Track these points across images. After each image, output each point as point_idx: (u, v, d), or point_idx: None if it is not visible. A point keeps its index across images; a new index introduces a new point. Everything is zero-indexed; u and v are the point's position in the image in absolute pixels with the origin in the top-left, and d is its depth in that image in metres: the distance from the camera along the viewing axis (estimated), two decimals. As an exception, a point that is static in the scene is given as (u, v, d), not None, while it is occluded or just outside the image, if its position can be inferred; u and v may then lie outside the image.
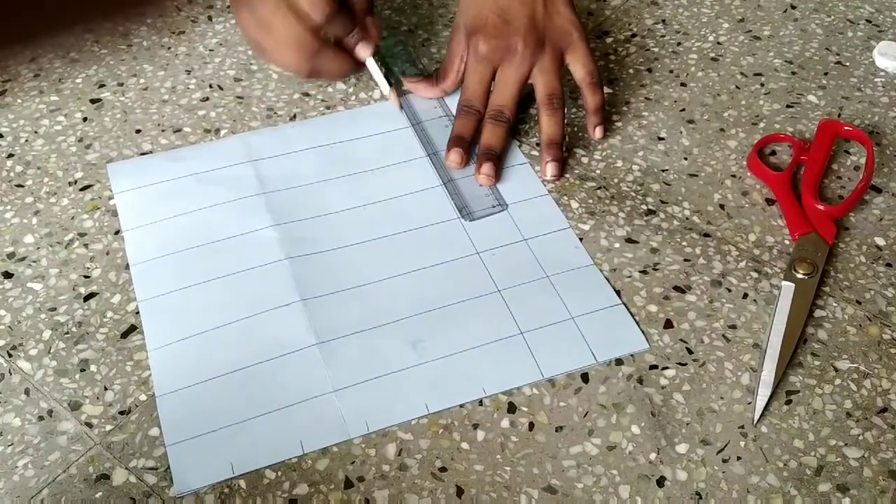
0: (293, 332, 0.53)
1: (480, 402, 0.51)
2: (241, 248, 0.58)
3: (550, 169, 0.62)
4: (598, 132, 0.64)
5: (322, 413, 0.49)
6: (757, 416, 0.50)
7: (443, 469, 0.48)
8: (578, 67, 0.64)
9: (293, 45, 0.62)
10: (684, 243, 0.60)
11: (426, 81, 0.68)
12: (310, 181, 0.62)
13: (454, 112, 0.65)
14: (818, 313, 0.55)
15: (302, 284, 0.55)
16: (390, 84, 0.64)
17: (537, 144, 0.65)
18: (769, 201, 0.63)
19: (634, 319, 0.54)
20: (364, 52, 0.65)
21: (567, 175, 0.64)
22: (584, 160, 0.65)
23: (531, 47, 0.63)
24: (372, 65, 0.65)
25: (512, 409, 0.50)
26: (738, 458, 0.48)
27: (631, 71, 0.73)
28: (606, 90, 0.71)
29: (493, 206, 0.60)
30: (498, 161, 0.62)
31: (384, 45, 0.69)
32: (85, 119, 0.68)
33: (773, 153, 0.66)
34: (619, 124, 0.68)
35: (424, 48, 0.75)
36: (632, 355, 0.53)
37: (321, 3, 0.61)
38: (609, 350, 0.52)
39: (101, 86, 0.71)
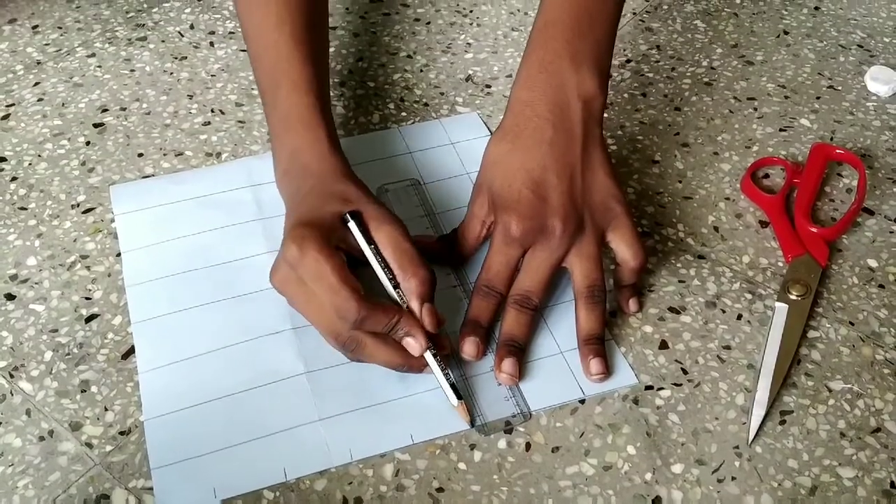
0: (283, 360, 0.53)
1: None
2: (236, 274, 0.58)
3: (595, 366, 0.52)
4: (632, 306, 0.57)
5: (307, 441, 0.50)
6: (751, 437, 0.50)
7: (440, 490, 0.48)
8: (623, 248, 0.55)
9: (329, 331, 0.50)
10: (679, 265, 0.60)
11: (441, 244, 0.59)
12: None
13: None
14: (812, 334, 0.56)
15: (294, 312, 0.55)
16: (458, 396, 0.50)
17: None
18: (763, 223, 0.63)
19: (623, 355, 0.55)
20: (414, 348, 0.50)
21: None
22: (580, 183, 0.66)
23: (570, 230, 0.53)
24: (432, 362, 0.51)
25: (508, 429, 0.51)
26: (733, 479, 0.49)
27: (626, 95, 0.74)
28: (602, 114, 0.72)
29: (514, 416, 0.51)
30: (521, 354, 0.53)
31: (395, 189, 0.62)
32: (88, 143, 0.68)
33: (767, 176, 0.67)
34: (615, 148, 0.69)
35: (422, 74, 0.76)
36: (627, 376, 0.53)
37: (351, 308, 0.48)
38: (598, 385, 0.53)
39: (104, 110, 0.72)
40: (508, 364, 0.52)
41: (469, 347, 0.53)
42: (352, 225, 0.52)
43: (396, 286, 0.51)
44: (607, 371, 0.53)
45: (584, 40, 0.57)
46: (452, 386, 0.50)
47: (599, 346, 0.53)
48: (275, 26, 0.59)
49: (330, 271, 0.49)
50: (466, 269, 0.59)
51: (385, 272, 0.52)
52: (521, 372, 0.53)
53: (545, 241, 0.54)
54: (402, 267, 0.52)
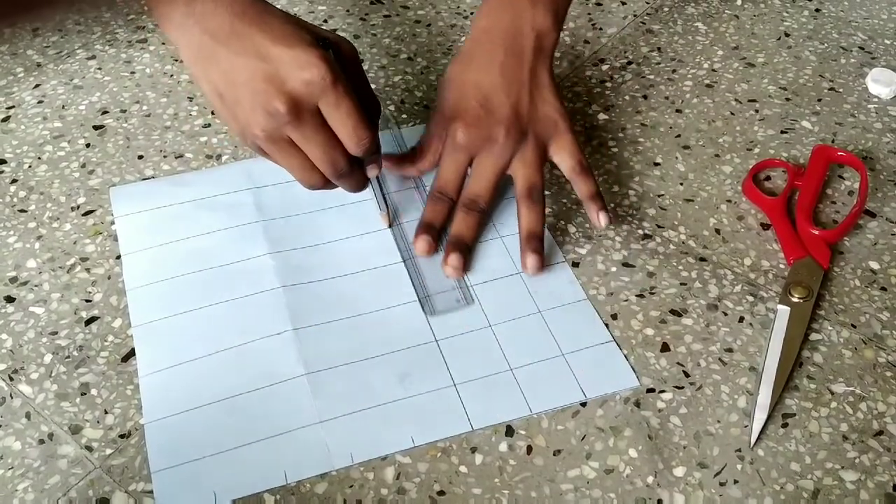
0: (283, 362, 0.53)
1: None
2: (236, 276, 0.58)
3: (531, 262, 0.58)
4: (602, 218, 0.60)
5: (307, 444, 0.49)
6: (754, 439, 0.50)
7: (441, 493, 0.48)
8: (566, 157, 0.61)
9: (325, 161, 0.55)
10: (680, 267, 0.60)
11: (403, 159, 0.64)
12: (308, 210, 0.63)
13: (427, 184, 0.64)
14: (814, 337, 0.56)
15: (294, 313, 0.55)
16: (387, 206, 0.60)
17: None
18: (764, 226, 0.63)
19: (625, 356, 0.55)
20: (373, 171, 0.58)
21: (564, 200, 0.65)
22: (581, 185, 0.66)
23: (513, 138, 0.59)
24: (374, 183, 0.59)
25: (510, 432, 0.51)
26: (735, 482, 0.49)
27: (627, 98, 0.74)
28: (603, 116, 0.72)
29: (458, 301, 0.57)
30: (468, 252, 0.59)
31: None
32: (88, 145, 0.68)
33: (768, 178, 0.67)
34: (616, 150, 0.69)
35: (423, 76, 0.76)
36: (629, 379, 0.53)
37: (364, 138, 0.54)
38: (599, 387, 0.52)
39: (105, 112, 0.71)
40: (454, 258, 0.58)
41: (421, 244, 0.59)
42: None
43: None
44: (542, 267, 0.59)
45: None
46: (383, 197, 0.60)
47: (538, 244, 0.59)
48: None
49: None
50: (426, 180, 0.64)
51: None
52: (466, 266, 0.59)
53: (490, 147, 0.60)
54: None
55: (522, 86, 0.61)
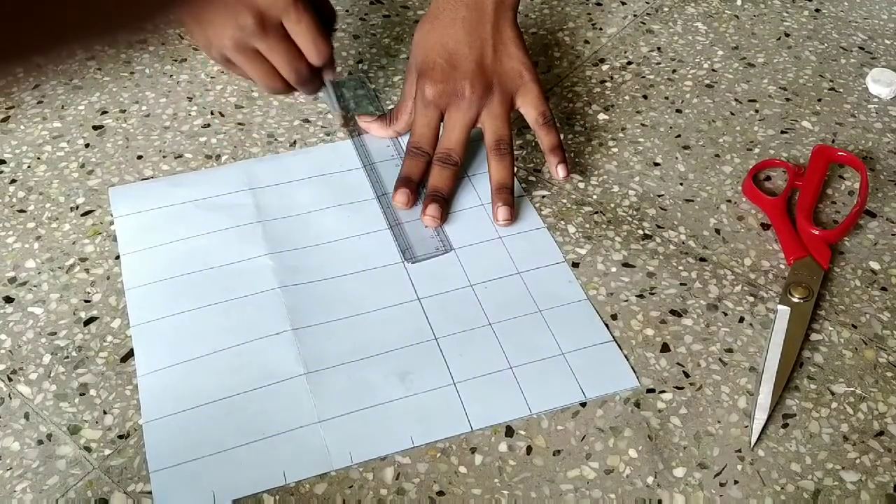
0: (282, 362, 0.53)
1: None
2: (235, 276, 0.58)
3: (501, 213, 0.61)
4: (560, 170, 0.63)
5: (306, 443, 0.49)
6: (754, 440, 0.50)
7: (440, 493, 0.48)
8: (530, 109, 0.63)
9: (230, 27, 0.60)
10: (680, 268, 0.60)
11: (380, 121, 0.67)
12: (306, 210, 0.63)
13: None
14: (814, 337, 0.56)
15: (294, 313, 0.55)
16: (342, 108, 0.66)
17: (536, 169, 0.66)
18: (764, 226, 0.63)
19: (625, 356, 0.54)
20: (328, 76, 0.64)
21: (564, 200, 0.65)
22: (581, 185, 0.66)
23: (478, 92, 0.62)
24: (329, 87, 0.65)
25: (509, 432, 0.50)
26: (736, 482, 0.48)
27: (627, 98, 0.74)
28: (603, 116, 0.72)
29: (437, 249, 0.60)
30: (445, 203, 0.62)
31: (346, 83, 0.69)
32: (87, 145, 0.68)
33: (768, 178, 0.67)
34: (616, 150, 0.69)
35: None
36: (629, 379, 0.53)
37: (323, 49, 0.62)
38: (599, 387, 0.52)
39: (104, 112, 0.71)
40: (433, 209, 0.61)
41: (400, 197, 0.62)
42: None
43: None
44: (513, 218, 0.61)
45: None
46: (338, 100, 0.65)
47: (508, 195, 0.61)
48: None
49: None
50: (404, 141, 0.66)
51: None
52: (443, 217, 0.61)
53: (457, 101, 0.62)
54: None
55: (485, 41, 0.63)
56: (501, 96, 0.63)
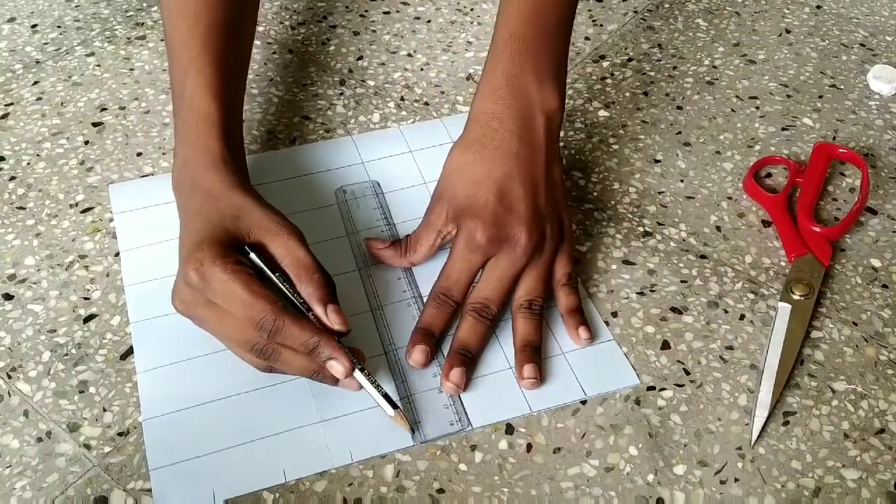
0: None
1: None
2: None
3: (528, 371, 0.52)
4: (582, 333, 0.54)
5: (307, 442, 0.49)
6: (754, 438, 0.50)
7: (441, 491, 0.48)
8: (559, 267, 0.56)
9: (245, 343, 0.48)
10: (681, 265, 0.60)
11: (393, 248, 0.57)
12: (306, 208, 0.63)
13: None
14: (815, 334, 0.56)
15: None
16: (393, 406, 0.49)
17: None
18: (765, 223, 0.63)
19: (626, 354, 0.54)
20: (339, 371, 0.48)
21: (564, 197, 0.64)
22: (581, 182, 0.66)
23: (534, 242, 0.54)
24: (363, 380, 0.49)
25: (510, 430, 0.50)
26: (736, 480, 0.48)
27: (627, 94, 0.74)
28: (604, 113, 0.72)
29: (451, 424, 0.50)
30: (472, 365, 0.53)
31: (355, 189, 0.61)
32: (86, 142, 0.68)
33: (769, 175, 0.67)
34: (616, 147, 0.69)
35: (423, 73, 0.76)
36: (629, 376, 0.53)
37: (268, 318, 0.47)
38: (599, 386, 0.52)
39: (103, 109, 0.71)
40: (457, 374, 0.51)
41: (417, 356, 0.52)
42: (253, 257, 0.49)
43: (302, 301, 0.49)
44: (539, 377, 0.52)
45: (547, 55, 0.57)
46: (386, 397, 0.49)
47: (535, 355, 0.53)
48: (188, 27, 0.57)
49: (241, 289, 0.47)
50: (416, 274, 0.58)
51: (286, 287, 0.50)
52: (467, 384, 0.52)
53: (509, 250, 0.54)
54: (297, 276, 0.50)
55: (539, 181, 0.55)
56: (550, 252, 0.55)
